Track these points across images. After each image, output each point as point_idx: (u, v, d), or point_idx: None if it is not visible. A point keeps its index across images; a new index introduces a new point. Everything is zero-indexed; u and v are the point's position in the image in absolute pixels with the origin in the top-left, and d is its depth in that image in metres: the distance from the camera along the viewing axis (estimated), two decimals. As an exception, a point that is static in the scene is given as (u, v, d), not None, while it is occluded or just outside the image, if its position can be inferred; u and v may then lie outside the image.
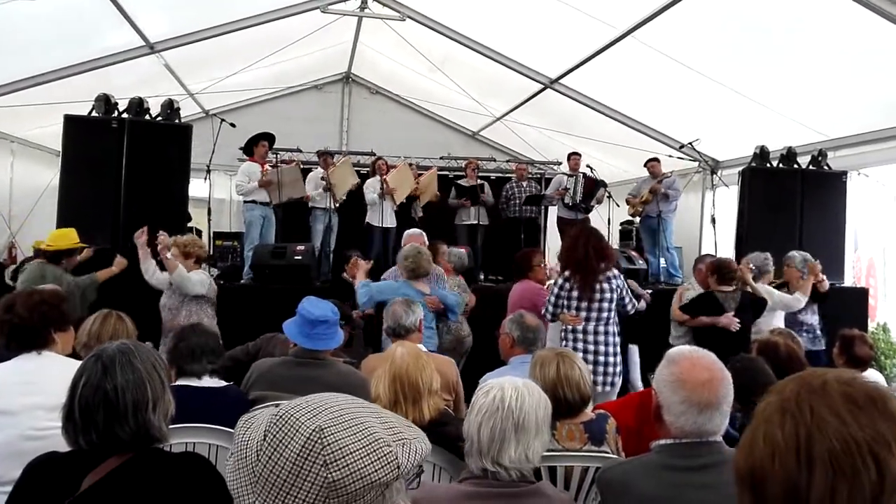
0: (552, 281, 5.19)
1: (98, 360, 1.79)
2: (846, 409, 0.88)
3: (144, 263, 5.05)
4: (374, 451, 1.13)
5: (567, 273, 4.69)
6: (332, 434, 1.12)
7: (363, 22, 9.53)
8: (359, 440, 1.13)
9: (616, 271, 4.80)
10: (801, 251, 6.28)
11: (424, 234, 6.32)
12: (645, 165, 9.01)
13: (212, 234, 8.04)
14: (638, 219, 9.27)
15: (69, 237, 5.37)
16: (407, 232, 6.46)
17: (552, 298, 4.75)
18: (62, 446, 1.80)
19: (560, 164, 10.97)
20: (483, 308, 6.25)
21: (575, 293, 4.65)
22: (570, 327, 4.66)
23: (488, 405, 1.95)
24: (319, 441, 1.11)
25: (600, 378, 4.58)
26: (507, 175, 10.77)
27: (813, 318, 6.06)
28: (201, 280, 4.97)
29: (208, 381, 3.02)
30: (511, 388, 1.99)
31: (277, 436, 1.13)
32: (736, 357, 3.75)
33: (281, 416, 1.15)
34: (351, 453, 1.11)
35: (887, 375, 6.81)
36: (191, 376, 3.01)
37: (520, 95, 10.09)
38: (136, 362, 1.80)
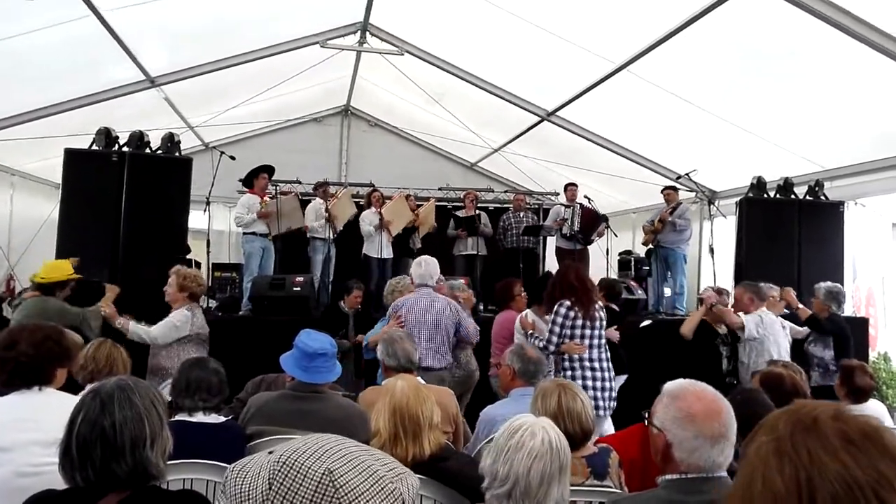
0: (526, 313, 5.21)
1: (96, 395, 1.78)
2: (844, 448, 0.86)
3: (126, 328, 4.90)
4: (382, 489, 1.12)
5: (568, 302, 4.65)
6: (342, 476, 1.11)
7: (362, 56, 9.64)
8: (365, 479, 1.12)
9: (600, 303, 4.93)
10: (832, 282, 6.13)
11: (420, 259, 5.41)
12: (662, 192, 8.93)
13: (211, 266, 8.02)
14: (651, 246, 9.08)
15: (63, 269, 5.34)
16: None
17: (555, 329, 4.62)
18: (58, 483, 1.78)
19: (558, 194, 11.02)
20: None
21: (578, 321, 4.63)
22: (569, 356, 4.62)
23: (538, 447, 1.89)
24: (331, 484, 1.10)
25: (606, 403, 4.63)
26: (506, 206, 10.80)
27: (825, 353, 5.81)
28: (172, 325, 4.83)
29: (202, 417, 2.97)
30: (551, 428, 1.96)
31: (286, 483, 1.12)
32: (737, 389, 3.75)
33: (284, 463, 1.14)
34: (362, 494, 1.11)
35: (889, 405, 6.75)
36: (182, 411, 2.97)
37: (517, 127, 10.18)
38: (135, 398, 1.78)
